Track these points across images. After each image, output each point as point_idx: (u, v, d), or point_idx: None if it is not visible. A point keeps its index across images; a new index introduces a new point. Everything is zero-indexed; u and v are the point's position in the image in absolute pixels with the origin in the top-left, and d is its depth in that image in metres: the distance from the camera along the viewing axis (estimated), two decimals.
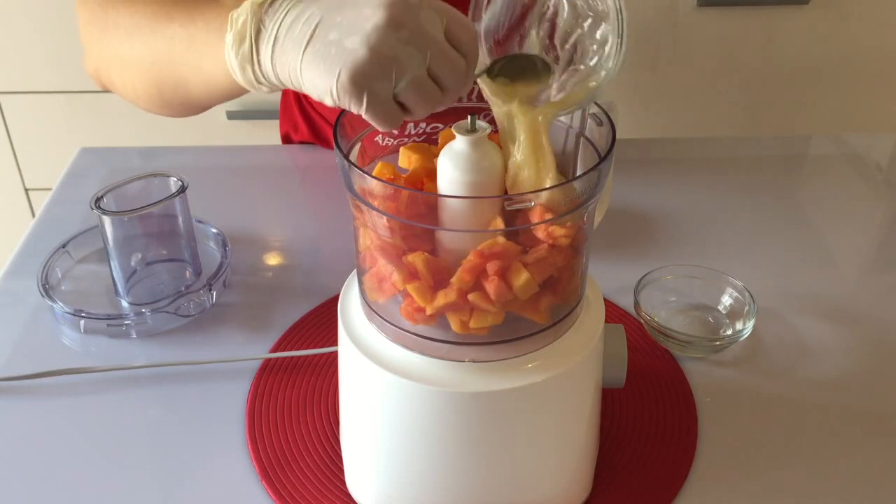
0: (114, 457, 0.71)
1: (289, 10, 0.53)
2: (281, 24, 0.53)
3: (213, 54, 0.58)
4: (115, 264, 0.85)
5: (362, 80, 0.50)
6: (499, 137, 0.60)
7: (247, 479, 0.69)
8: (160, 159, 1.13)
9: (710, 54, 1.72)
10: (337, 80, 0.50)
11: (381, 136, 0.69)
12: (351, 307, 0.63)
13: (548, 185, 0.55)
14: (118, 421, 0.75)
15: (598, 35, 0.54)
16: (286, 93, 1.20)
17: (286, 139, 1.22)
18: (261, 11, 0.53)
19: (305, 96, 1.14)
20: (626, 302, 0.87)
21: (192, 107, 0.68)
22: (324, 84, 0.51)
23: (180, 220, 0.86)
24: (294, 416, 0.75)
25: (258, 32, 0.54)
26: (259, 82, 0.56)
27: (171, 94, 0.66)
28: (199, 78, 0.61)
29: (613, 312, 0.86)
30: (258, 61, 0.55)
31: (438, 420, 0.58)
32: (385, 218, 0.54)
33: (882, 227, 1.03)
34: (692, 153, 1.17)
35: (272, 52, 0.53)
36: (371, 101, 0.51)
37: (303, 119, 1.17)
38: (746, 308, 0.82)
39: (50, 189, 1.06)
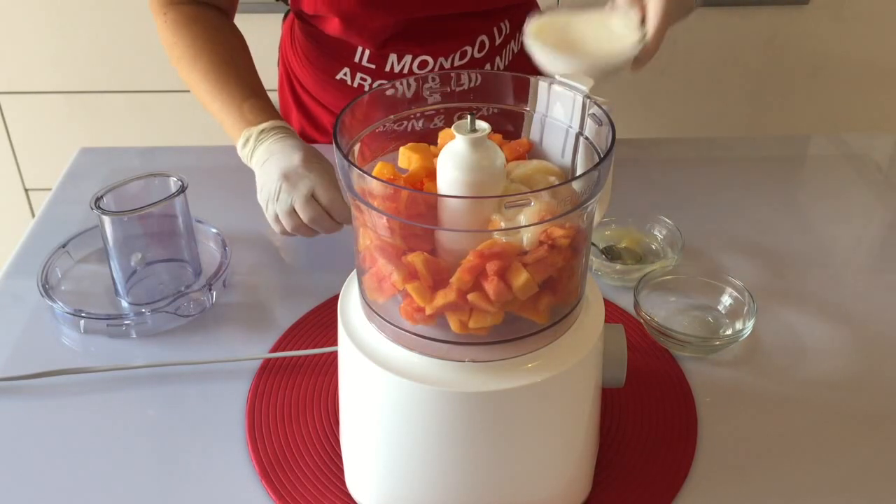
0: (114, 457, 0.71)
1: (268, 139, 0.90)
2: (259, 148, 0.90)
3: (230, 129, 0.94)
4: (115, 264, 0.85)
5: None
6: (499, 137, 0.61)
7: (247, 479, 0.69)
8: (160, 159, 1.13)
9: (710, 54, 1.72)
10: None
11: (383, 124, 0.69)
12: (351, 307, 0.63)
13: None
14: (118, 421, 0.75)
15: None
16: (282, 85, 1.21)
17: None
18: (257, 137, 0.91)
19: (299, 81, 1.16)
20: (626, 302, 0.87)
21: None
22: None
23: (180, 220, 0.86)
24: (294, 416, 0.75)
25: (252, 149, 0.91)
26: (244, 160, 0.93)
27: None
28: (219, 120, 0.96)
29: (613, 312, 0.86)
30: (249, 157, 0.92)
31: (438, 420, 0.58)
32: (385, 218, 0.54)
33: (882, 227, 1.03)
34: (692, 153, 1.17)
35: (251, 159, 0.91)
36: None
37: (295, 106, 1.18)
38: (746, 308, 0.82)
39: (50, 189, 1.06)
